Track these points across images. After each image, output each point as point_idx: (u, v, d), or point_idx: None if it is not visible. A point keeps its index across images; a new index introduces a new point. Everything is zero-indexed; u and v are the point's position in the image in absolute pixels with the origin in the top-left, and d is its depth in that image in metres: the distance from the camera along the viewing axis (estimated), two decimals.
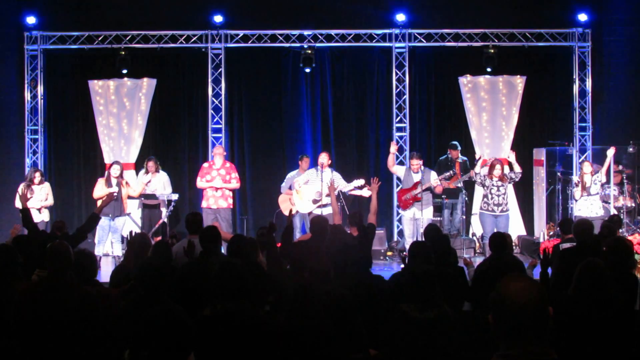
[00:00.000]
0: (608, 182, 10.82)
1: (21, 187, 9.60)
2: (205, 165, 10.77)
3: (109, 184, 10.04)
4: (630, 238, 9.27)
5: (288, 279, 5.35)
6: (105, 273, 8.37)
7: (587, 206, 10.11)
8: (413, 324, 4.03)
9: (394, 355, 4.09)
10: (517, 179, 10.05)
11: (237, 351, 3.74)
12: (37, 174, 10.51)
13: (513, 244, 10.84)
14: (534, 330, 2.26)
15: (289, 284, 5.14)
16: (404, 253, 9.70)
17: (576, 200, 10.30)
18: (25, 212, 6.76)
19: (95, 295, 4.30)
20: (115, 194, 9.87)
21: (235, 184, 10.62)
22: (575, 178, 10.14)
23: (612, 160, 10.76)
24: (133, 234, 5.99)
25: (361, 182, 10.05)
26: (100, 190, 10.08)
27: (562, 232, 8.03)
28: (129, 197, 10.39)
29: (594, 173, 10.20)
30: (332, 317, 3.95)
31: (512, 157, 10.09)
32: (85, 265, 4.79)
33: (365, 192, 9.92)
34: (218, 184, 10.43)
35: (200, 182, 10.63)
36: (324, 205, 10.04)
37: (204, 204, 10.56)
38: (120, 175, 10.22)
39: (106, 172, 10.36)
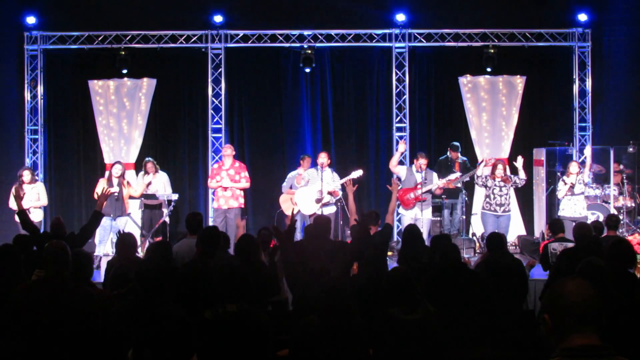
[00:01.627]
0: (603, 182, 10.84)
1: (14, 189, 9.59)
2: (215, 166, 10.78)
3: (110, 184, 10.02)
4: (630, 238, 9.32)
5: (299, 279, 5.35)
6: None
7: (571, 206, 10.08)
8: (401, 326, 4.05)
9: (386, 358, 4.11)
10: (520, 185, 10.07)
11: (239, 354, 3.74)
12: (26, 173, 10.32)
13: (513, 244, 10.90)
14: (592, 325, 2.32)
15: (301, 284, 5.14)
16: None
17: (559, 200, 10.29)
18: (23, 214, 6.75)
19: (93, 295, 4.30)
20: (115, 193, 9.85)
21: (244, 183, 10.54)
22: (567, 179, 10.14)
23: (611, 159, 10.81)
24: (122, 232, 5.97)
25: (359, 172, 10.05)
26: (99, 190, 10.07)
27: (552, 232, 8.06)
28: (130, 197, 10.37)
29: (579, 173, 10.22)
30: (332, 317, 3.96)
31: (519, 163, 10.08)
32: (81, 266, 4.78)
33: (354, 175, 9.92)
34: (226, 183, 10.41)
35: (210, 183, 10.67)
36: (326, 205, 10.04)
37: (214, 204, 10.61)
38: (122, 175, 10.21)
39: (107, 172, 10.36)
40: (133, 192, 10.32)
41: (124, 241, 5.89)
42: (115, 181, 10.07)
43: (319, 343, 3.85)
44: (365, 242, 6.06)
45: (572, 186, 10.01)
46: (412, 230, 6.75)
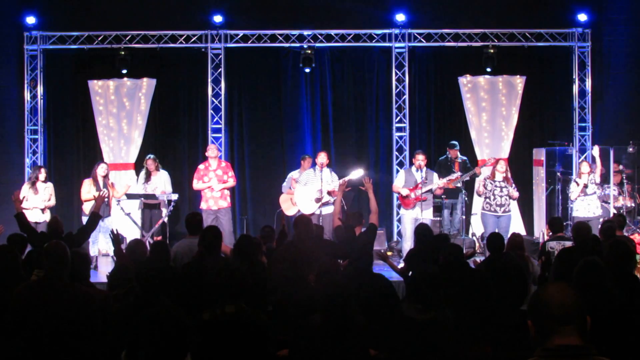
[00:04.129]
0: (603, 182, 10.84)
1: (20, 191, 9.57)
2: (201, 167, 10.62)
3: (96, 184, 9.97)
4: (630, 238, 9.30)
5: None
6: (102, 274, 8.37)
7: (585, 206, 10.09)
8: (411, 325, 4.04)
9: (394, 356, 4.10)
10: (513, 198, 9.97)
11: (237, 354, 3.74)
12: (43, 171, 10.27)
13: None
14: (572, 325, 2.34)
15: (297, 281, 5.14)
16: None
17: (573, 201, 10.30)
18: (20, 216, 6.77)
19: (92, 295, 4.30)
20: (105, 195, 9.81)
21: (232, 182, 10.60)
22: (579, 180, 10.13)
23: (611, 159, 10.81)
24: (115, 232, 5.95)
25: (360, 172, 10.02)
26: (87, 191, 9.99)
27: (551, 230, 8.08)
28: (129, 197, 10.35)
29: (590, 173, 10.22)
30: (335, 317, 3.96)
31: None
32: (78, 266, 4.77)
33: (354, 175, 9.89)
34: (215, 185, 10.36)
35: (196, 184, 10.51)
36: (325, 204, 10.02)
37: (203, 206, 10.47)
38: (106, 176, 10.17)
39: (92, 172, 10.25)
40: (115, 193, 10.29)
41: (132, 249, 5.89)
42: (100, 180, 10.02)
43: (320, 343, 3.85)
44: (351, 242, 6.08)
45: (585, 187, 10.02)
46: (424, 230, 6.75)
